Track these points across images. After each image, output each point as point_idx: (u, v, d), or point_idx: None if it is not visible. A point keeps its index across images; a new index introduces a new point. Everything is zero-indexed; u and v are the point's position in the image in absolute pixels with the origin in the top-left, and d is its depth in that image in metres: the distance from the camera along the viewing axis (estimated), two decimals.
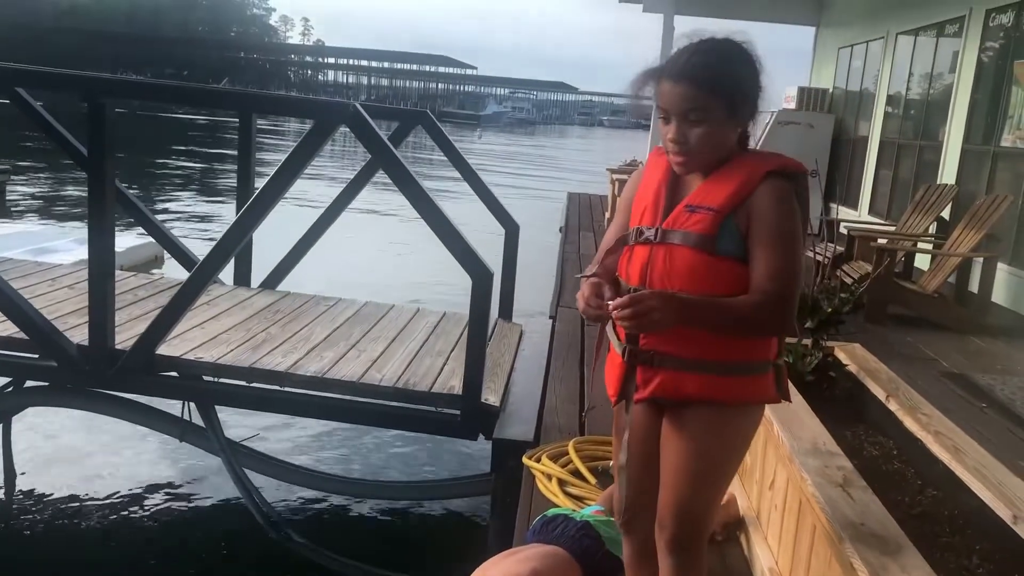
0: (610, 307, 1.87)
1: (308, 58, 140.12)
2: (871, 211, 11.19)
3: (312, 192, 15.58)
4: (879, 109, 11.37)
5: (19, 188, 18.39)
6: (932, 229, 8.03)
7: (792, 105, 13.01)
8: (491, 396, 4.57)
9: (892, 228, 8.74)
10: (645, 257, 2.02)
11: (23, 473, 5.88)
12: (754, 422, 2.11)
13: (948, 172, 8.84)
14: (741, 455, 2.14)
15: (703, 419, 2.01)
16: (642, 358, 2.03)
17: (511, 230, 6.22)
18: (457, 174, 6.36)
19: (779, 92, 13.92)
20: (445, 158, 6.36)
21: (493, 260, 4.81)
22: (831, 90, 13.34)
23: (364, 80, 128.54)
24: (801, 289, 1.99)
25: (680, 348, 1.99)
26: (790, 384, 3.10)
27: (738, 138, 2.04)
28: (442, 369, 4.87)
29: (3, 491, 5.71)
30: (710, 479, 2.07)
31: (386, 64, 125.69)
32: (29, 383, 5.20)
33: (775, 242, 1.92)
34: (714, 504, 2.15)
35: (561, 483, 3.48)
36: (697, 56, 1.96)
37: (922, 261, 8.07)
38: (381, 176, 5.35)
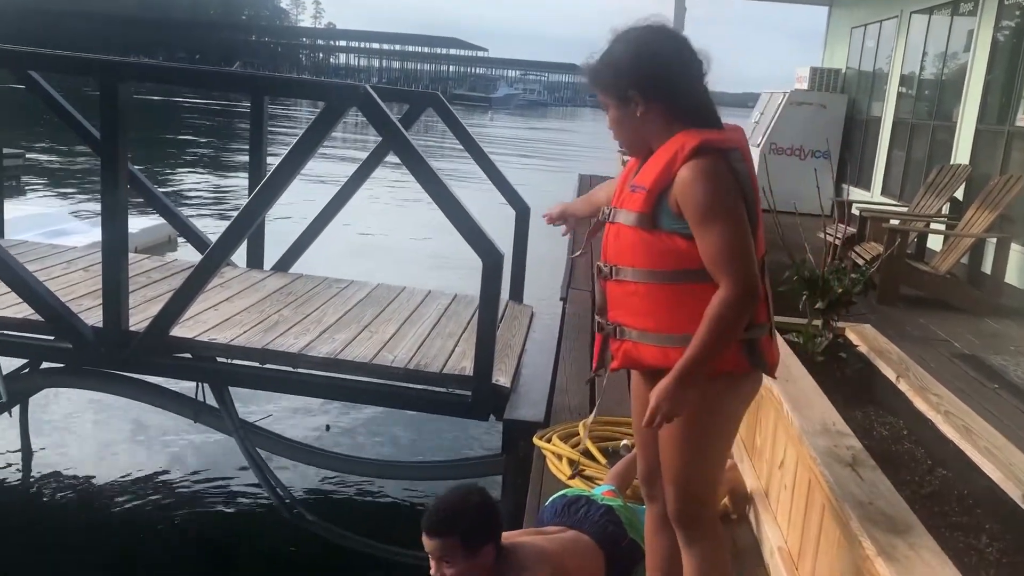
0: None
1: (320, 41, 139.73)
2: (884, 192, 11.13)
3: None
4: (892, 89, 11.28)
5: (34, 171, 18.45)
6: (945, 210, 7.98)
7: (805, 86, 12.90)
8: (502, 377, 4.59)
9: (905, 209, 8.69)
10: (606, 235, 2.14)
11: (41, 450, 5.95)
12: (726, 393, 2.07)
13: (962, 152, 8.77)
14: (719, 425, 2.11)
15: None
16: (608, 331, 2.12)
17: (521, 212, 6.22)
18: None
19: (791, 72, 13.84)
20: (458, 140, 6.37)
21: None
22: (844, 70, 13.23)
23: (375, 63, 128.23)
24: (749, 257, 1.92)
25: (636, 320, 2.06)
26: (800, 363, 3.12)
27: (679, 114, 2.01)
28: (453, 350, 4.89)
29: (21, 469, 5.78)
30: (690, 448, 2.08)
31: (397, 47, 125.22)
32: (45, 364, 5.25)
33: (703, 223, 1.93)
34: (708, 476, 2.15)
35: (572, 463, 3.50)
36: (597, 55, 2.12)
37: (935, 242, 8.03)
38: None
